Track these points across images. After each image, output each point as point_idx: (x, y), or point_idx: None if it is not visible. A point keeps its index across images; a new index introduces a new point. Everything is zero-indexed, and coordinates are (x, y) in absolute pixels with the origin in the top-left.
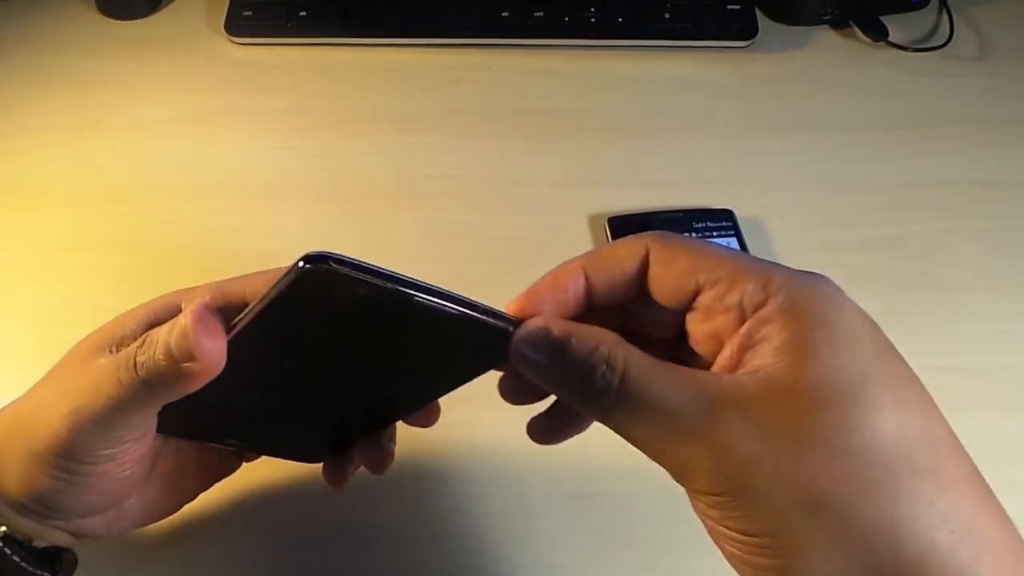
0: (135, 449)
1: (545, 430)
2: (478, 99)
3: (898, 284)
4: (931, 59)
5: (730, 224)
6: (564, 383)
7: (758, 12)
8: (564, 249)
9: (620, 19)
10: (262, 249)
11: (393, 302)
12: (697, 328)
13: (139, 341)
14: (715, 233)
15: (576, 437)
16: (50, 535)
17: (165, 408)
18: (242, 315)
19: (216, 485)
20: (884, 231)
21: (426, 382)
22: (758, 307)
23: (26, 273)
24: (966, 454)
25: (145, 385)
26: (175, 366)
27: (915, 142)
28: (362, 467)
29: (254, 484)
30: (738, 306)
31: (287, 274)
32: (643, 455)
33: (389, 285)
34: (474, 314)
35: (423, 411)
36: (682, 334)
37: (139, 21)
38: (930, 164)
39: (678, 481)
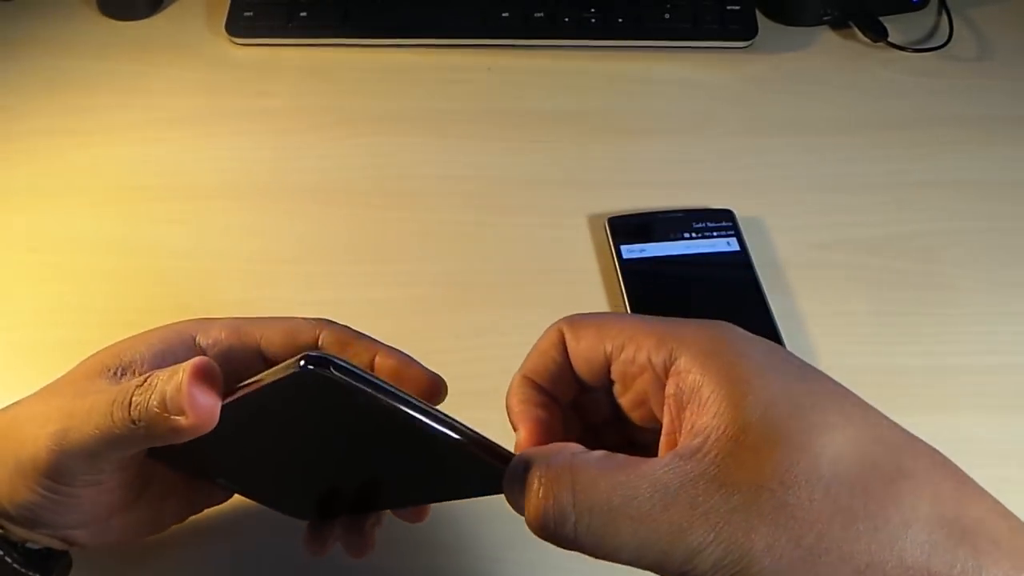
0: (118, 478)
1: None
2: (478, 100)
3: (898, 284)
4: (930, 60)
5: (730, 224)
6: (527, 520)
7: (758, 13)
8: (564, 249)
9: (620, 20)
10: (262, 250)
11: (391, 416)
12: (623, 399)
13: (140, 380)
14: (715, 233)
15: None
16: (41, 540)
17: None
18: (241, 385)
19: None
20: (884, 231)
21: (418, 488)
22: (667, 363)
23: (25, 273)
24: (922, 444)
25: (135, 427)
26: (166, 417)
27: (914, 142)
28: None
29: None
30: (647, 364)
31: (287, 367)
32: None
33: (387, 401)
34: (470, 447)
35: (412, 510)
36: (618, 412)
37: (140, 22)
38: (929, 164)
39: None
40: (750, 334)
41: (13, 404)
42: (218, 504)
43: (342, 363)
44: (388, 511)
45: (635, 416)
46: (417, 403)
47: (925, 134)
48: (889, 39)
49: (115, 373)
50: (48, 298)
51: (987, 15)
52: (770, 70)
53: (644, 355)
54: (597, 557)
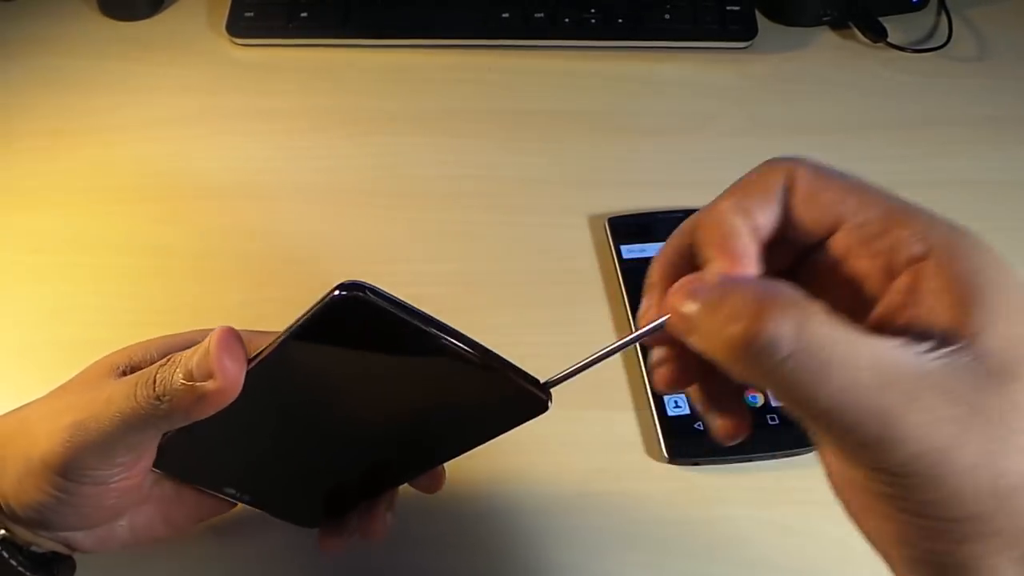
0: (125, 478)
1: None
2: (478, 100)
3: None
4: (930, 60)
5: None
6: (722, 336)
7: (757, 13)
8: (564, 249)
9: (620, 20)
10: (263, 249)
11: (420, 342)
12: (828, 267)
13: (163, 360)
14: None
15: (576, 436)
16: (45, 543)
17: (167, 447)
18: (266, 346)
19: None
20: None
21: (441, 437)
22: (914, 260)
23: (28, 274)
24: None
25: (159, 403)
26: (191, 387)
27: (914, 143)
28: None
29: None
30: (887, 252)
31: (320, 302)
32: (646, 455)
33: (419, 323)
34: (498, 367)
35: (429, 476)
36: (798, 268)
37: (141, 22)
38: (929, 164)
39: (851, 452)
40: (1003, 260)
41: (23, 406)
42: (225, 511)
43: (375, 287)
44: (400, 487)
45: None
46: (449, 327)
47: (924, 134)
48: (888, 39)
49: (124, 372)
50: (50, 298)
51: (986, 15)
52: (770, 70)
53: (888, 243)
54: (781, 398)
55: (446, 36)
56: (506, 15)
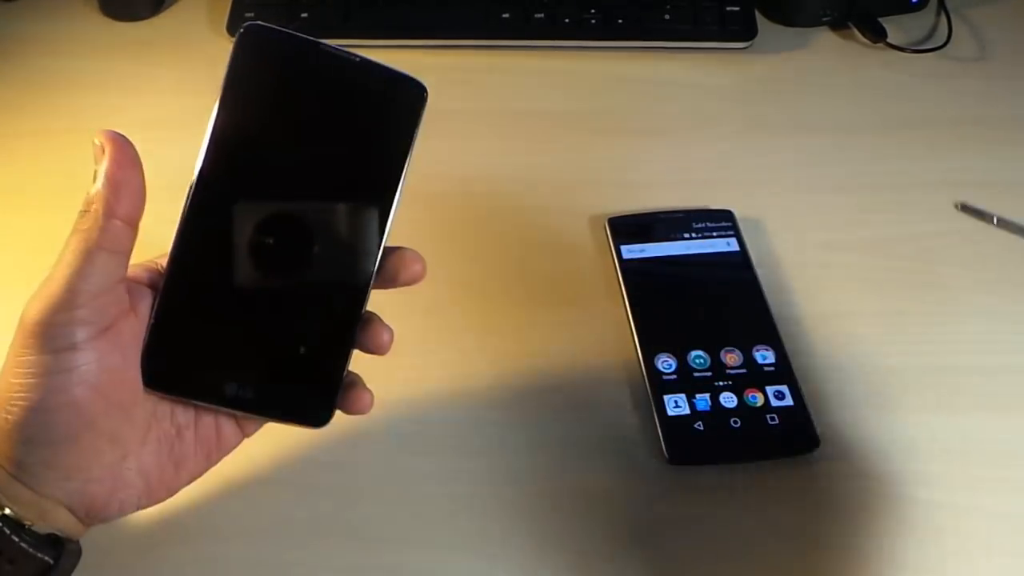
0: (95, 331)
1: None
2: (479, 100)
3: (897, 284)
4: (929, 60)
5: (729, 225)
6: None
7: (757, 13)
8: (565, 250)
9: (620, 20)
10: None
11: (314, 59)
12: None
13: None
14: (715, 233)
15: (576, 436)
16: (52, 514)
17: (153, 360)
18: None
19: (216, 483)
20: (883, 231)
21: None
22: None
23: (29, 274)
24: None
25: (87, 209)
26: (101, 176)
27: (914, 143)
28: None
29: (254, 484)
30: None
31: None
32: (646, 454)
33: (308, 37)
34: (372, 61)
35: (398, 261)
36: None
37: (142, 22)
38: (929, 165)
39: None
40: None
41: None
42: (228, 451)
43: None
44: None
45: None
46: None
47: (924, 134)
48: (888, 40)
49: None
50: None
51: (986, 15)
52: (770, 71)
53: None
54: None
55: (446, 36)
56: (506, 15)
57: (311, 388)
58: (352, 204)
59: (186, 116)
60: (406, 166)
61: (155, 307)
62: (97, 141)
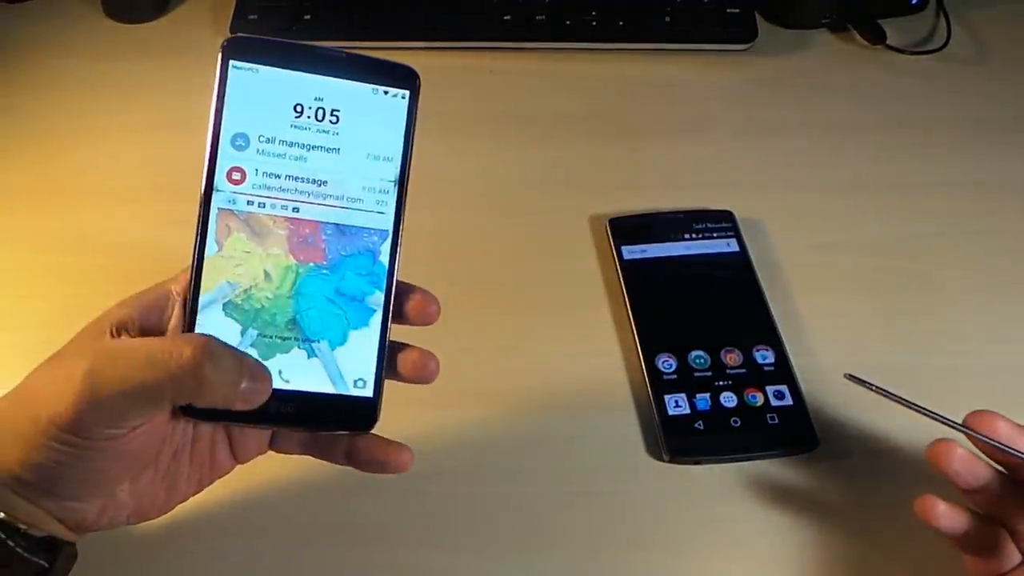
0: (139, 433)
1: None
2: (480, 101)
3: (897, 285)
4: (928, 62)
5: (730, 225)
6: None
7: (757, 16)
8: (565, 250)
9: (621, 23)
10: None
11: (299, 58)
12: None
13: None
14: (715, 234)
15: (576, 435)
16: (42, 522)
17: None
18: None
19: (216, 484)
20: (883, 232)
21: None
22: None
23: (33, 274)
24: None
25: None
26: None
27: (913, 144)
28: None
29: (254, 484)
30: None
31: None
32: (646, 454)
33: (290, 41)
34: (360, 55)
35: (420, 302)
36: None
37: (145, 25)
38: (928, 165)
39: None
40: None
41: (22, 382)
42: (222, 475)
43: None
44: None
45: None
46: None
47: (923, 135)
48: (887, 41)
49: (111, 334)
50: (56, 299)
51: (985, 17)
52: (770, 72)
53: None
54: None
55: (449, 38)
56: (508, 17)
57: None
58: (358, 201)
59: (189, 118)
60: (408, 153)
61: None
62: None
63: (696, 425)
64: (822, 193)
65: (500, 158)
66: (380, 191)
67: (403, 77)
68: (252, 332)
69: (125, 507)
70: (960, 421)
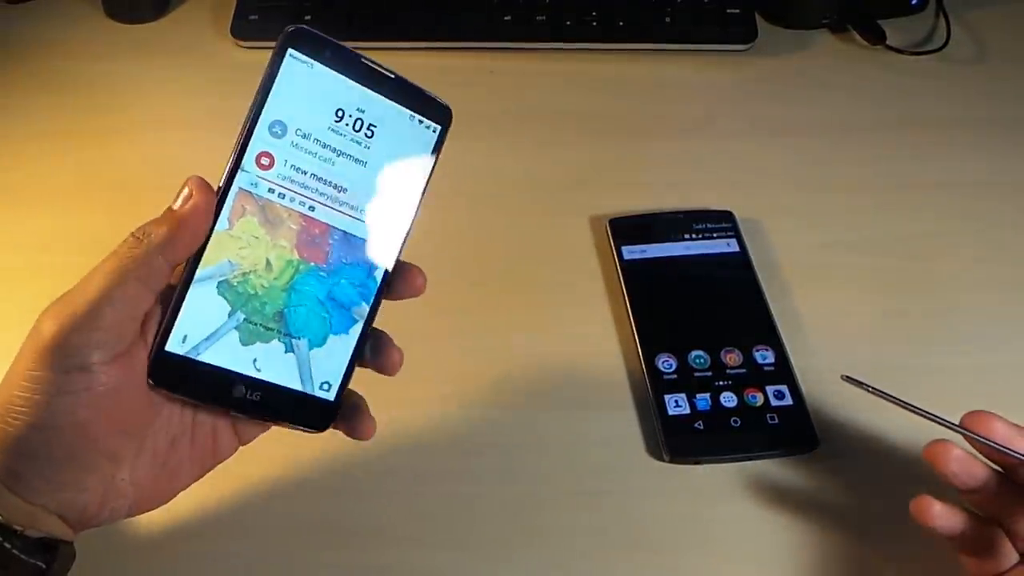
0: (110, 362)
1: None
2: (480, 102)
3: (896, 285)
4: (928, 62)
5: (730, 226)
6: None
7: (758, 16)
8: (565, 250)
9: (621, 23)
10: None
11: (353, 68)
12: None
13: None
14: (715, 234)
15: (576, 436)
16: (43, 521)
17: (161, 356)
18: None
19: (215, 483)
20: (882, 232)
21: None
22: None
23: (36, 274)
24: None
25: (138, 240)
26: (171, 213)
27: (913, 144)
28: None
29: (254, 483)
30: None
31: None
32: (646, 454)
33: (349, 49)
34: (408, 81)
35: (403, 279)
36: None
37: (146, 25)
38: (927, 166)
39: None
40: None
41: None
42: (223, 459)
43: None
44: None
45: None
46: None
47: (923, 135)
48: (887, 42)
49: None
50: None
51: (984, 18)
52: (770, 73)
53: None
54: None
55: (449, 39)
56: (508, 18)
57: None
58: (370, 216)
59: (190, 118)
60: (426, 186)
61: (169, 307)
62: (187, 188)
63: (696, 425)
64: (822, 193)
65: (500, 158)
66: (391, 214)
67: (439, 112)
68: (239, 315)
69: (125, 496)
70: (957, 422)
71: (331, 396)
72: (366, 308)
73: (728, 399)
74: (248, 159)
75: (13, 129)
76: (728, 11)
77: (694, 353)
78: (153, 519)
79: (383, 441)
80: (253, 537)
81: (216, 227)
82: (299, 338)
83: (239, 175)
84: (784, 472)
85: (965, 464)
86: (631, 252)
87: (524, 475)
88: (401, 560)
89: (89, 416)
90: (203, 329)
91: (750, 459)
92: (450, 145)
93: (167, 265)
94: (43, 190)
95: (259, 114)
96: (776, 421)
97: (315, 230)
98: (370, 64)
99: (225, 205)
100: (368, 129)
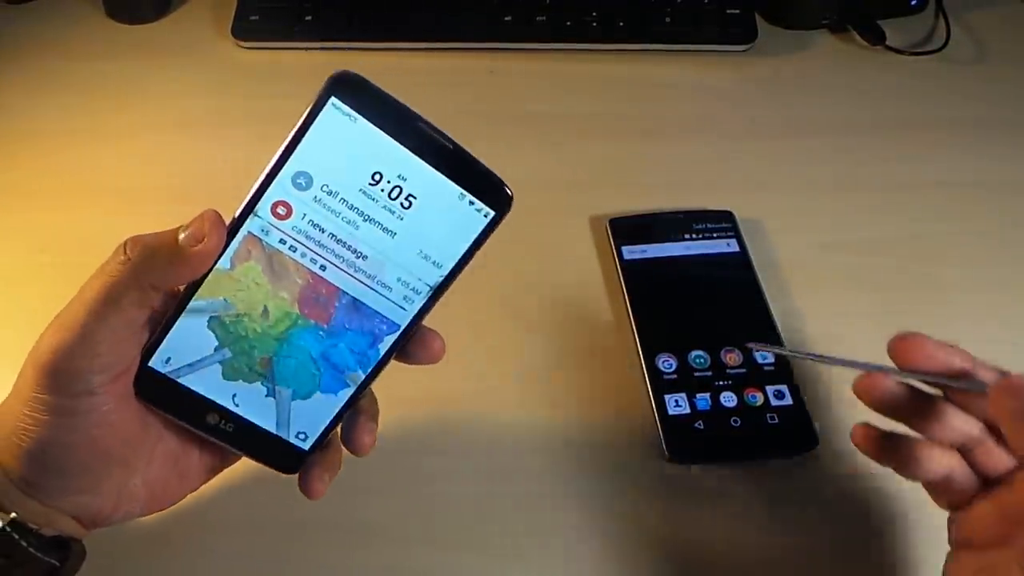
0: (110, 381)
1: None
2: (481, 102)
3: (896, 285)
4: (928, 63)
5: (730, 226)
6: None
7: (757, 16)
8: (565, 250)
9: (621, 23)
10: None
11: (403, 126)
12: None
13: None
14: (715, 234)
15: (577, 436)
16: (58, 521)
17: (147, 370)
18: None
19: (218, 483)
20: (882, 232)
21: (414, 266)
22: None
23: (36, 274)
24: None
25: (125, 257)
26: (174, 251)
27: (912, 144)
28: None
29: (254, 483)
30: None
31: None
32: (647, 454)
33: (402, 104)
34: (468, 156)
35: (420, 343)
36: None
37: (147, 25)
38: (927, 166)
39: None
40: None
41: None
42: (235, 462)
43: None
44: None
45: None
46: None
47: (923, 136)
48: (887, 43)
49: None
50: (58, 299)
51: (984, 19)
52: (769, 73)
53: None
54: None
55: (449, 39)
56: (508, 18)
57: (289, 444)
58: (387, 289)
59: (191, 118)
60: (460, 271)
61: (160, 326)
62: (202, 225)
63: (696, 425)
64: (822, 192)
65: (500, 158)
66: (412, 289)
67: (498, 196)
68: (226, 352)
69: (138, 499)
70: (881, 364)
71: (305, 446)
72: (362, 375)
73: (728, 399)
74: (264, 205)
75: (12, 128)
76: (728, 11)
77: (694, 353)
78: (155, 516)
79: (382, 440)
80: (253, 536)
81: (218, 263)
82: (283, 387)
83: (251, 219)
84: (784, 472)
85: (895, 392)
86: (631, 252)
87: (524, 475)
88: (400, 559)
89: (99, 433)
90: (187, 356)
91: (750, 458)
92: None
93: (155, 291)
94: (43, 190)
95: (284, 162)
96: (776, 421)
97: (322, 289)
98: (425, 128)
99: (231, 246)
100: (406, 199)
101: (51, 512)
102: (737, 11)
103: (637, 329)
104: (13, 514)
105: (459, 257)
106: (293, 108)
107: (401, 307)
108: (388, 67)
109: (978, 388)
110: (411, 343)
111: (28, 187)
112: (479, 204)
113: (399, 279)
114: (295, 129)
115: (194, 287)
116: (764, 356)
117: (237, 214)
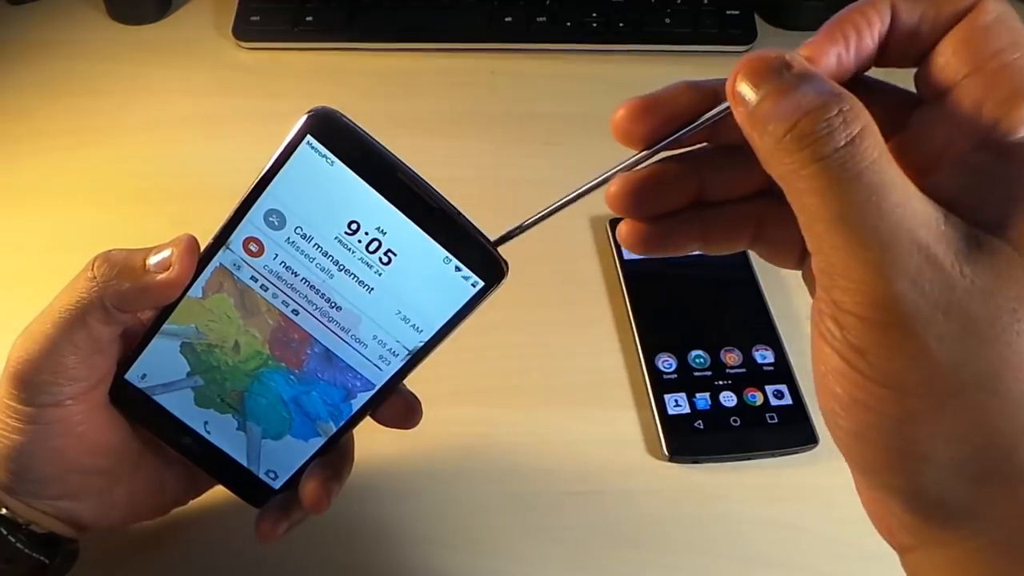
0: (79, 394)
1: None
2: (481, 102)
3: None
4: None
5: None
6: (776, 116)
7: (757, 17)
8: (566, 250)
9: (621, 24)
10: None
11: (383, 172)
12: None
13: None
14: None
15: (576, 435)
16: (43, 522)
17: (124, 381)
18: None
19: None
20: None
21: (394, 327)
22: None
23: (39, 273)
24: None
25: (92, 281)
26: (139, 276)
27: None
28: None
29: None
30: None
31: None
32: (646, 453)
33: (384, 149)
34: (457, 219)
35: (397, 406)
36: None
37: (148, 26)
38: None
39: (824, 277)
40: None
41: None
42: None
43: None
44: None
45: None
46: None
47: None
48: None
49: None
50: None
51: None
52: None
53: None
54: (805, 188)
55: (449, 39)
56: (508, 19)
57: (259, 479)
58: (362, 346)
59: (192, 118)
60: (448, 335)
61: (139, 340)
62: (171, 252)
63: (696, 424)
64: None
65: (501, 159)
66: (390, 350)
67: (489, 267)
68: (198, 378)
69: (122, 508)
70: (615, 168)
71: (275, 484)
72: (332, 427)
73: (728, 399)
74: (236, 239)
75: (14, 129)
76: (727, 12)
77: (694, 353)
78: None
79: (382, 440)
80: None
81: (189, 291)
82: (254, 424)
83: (223, 251)
84: (784, 471)
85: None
86: (632, 252)
87: (524, 474)
88: (401, 560)
89: (64, 443)
90: (161, 377)
91: (750, 458)
92: (451, 145)
93: (124, 315)
94: (44, 190)
95: (257, 197)
96: (776, 420)
97: (294, 335)
98: (408, 181)
99: (202, 275)
100: (385, 255)
101: (36, 513)
102: (737, 12)
103: (637, 329)
104: (3, 510)
105: (442, 325)
106: (293, 108)
107: (376, 366)
108: (388, 68)
109: (722, 110)
110: (387, 405)
111: (29, 187)
112: (466, 272)
113: (375, 337)
114: (269, 163)
115: (167, 310)
116: (764, 356)
117: (209, 243)
